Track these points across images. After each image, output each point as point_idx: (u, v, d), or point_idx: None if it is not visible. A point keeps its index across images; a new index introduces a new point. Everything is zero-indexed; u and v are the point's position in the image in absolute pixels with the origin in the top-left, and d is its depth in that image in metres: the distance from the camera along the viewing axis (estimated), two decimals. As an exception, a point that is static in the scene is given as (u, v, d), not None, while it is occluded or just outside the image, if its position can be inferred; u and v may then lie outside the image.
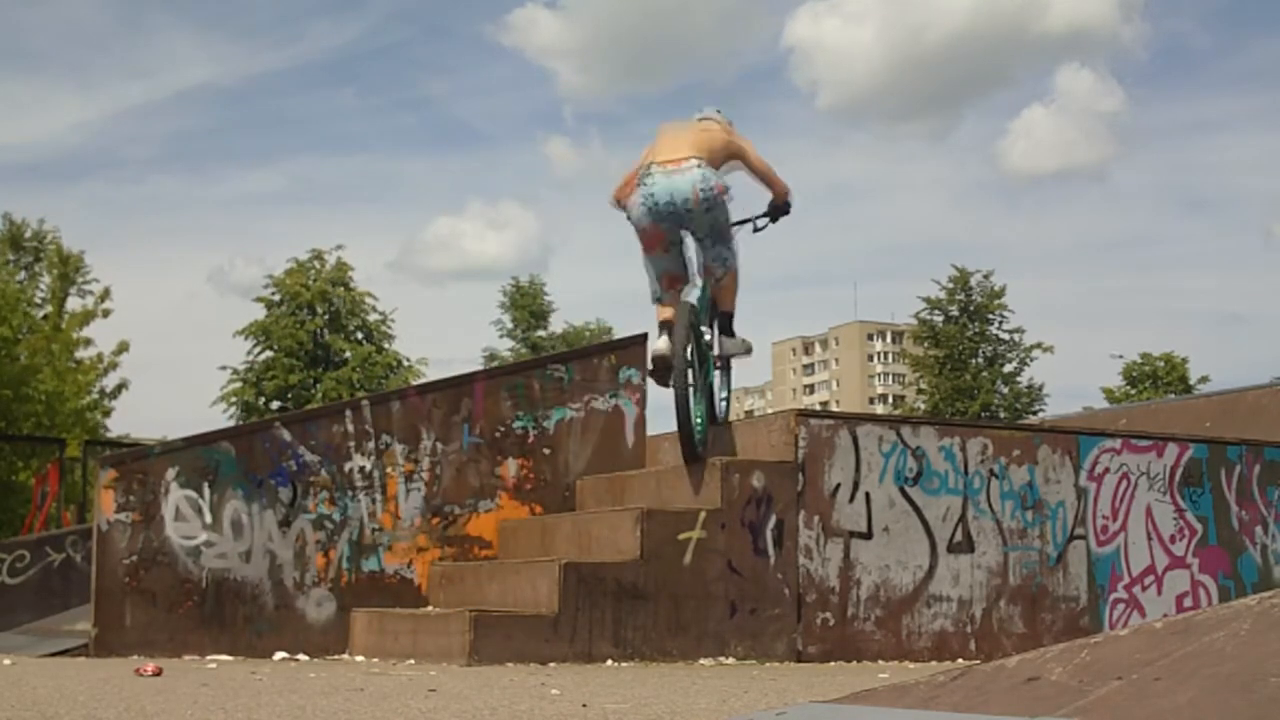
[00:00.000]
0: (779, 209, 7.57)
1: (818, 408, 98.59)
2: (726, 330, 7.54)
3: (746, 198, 7.73)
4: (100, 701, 4.12)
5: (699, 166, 7.00)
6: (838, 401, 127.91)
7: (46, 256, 32.28)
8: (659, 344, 6.99)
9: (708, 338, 7.38)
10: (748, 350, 7.69)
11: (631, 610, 6.60)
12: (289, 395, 35.76)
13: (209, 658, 6.71)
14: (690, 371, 6.91)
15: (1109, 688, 1.87)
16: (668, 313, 7.12)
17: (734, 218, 7.34)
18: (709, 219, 7.09)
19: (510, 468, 7.73)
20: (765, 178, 7.52)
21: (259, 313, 37.12)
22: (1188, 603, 8.00)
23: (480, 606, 6.69)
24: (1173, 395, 37.51)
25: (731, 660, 6.73)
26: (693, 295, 7.12)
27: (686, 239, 7.24)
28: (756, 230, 7.63)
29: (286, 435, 7.28)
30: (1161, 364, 45.90)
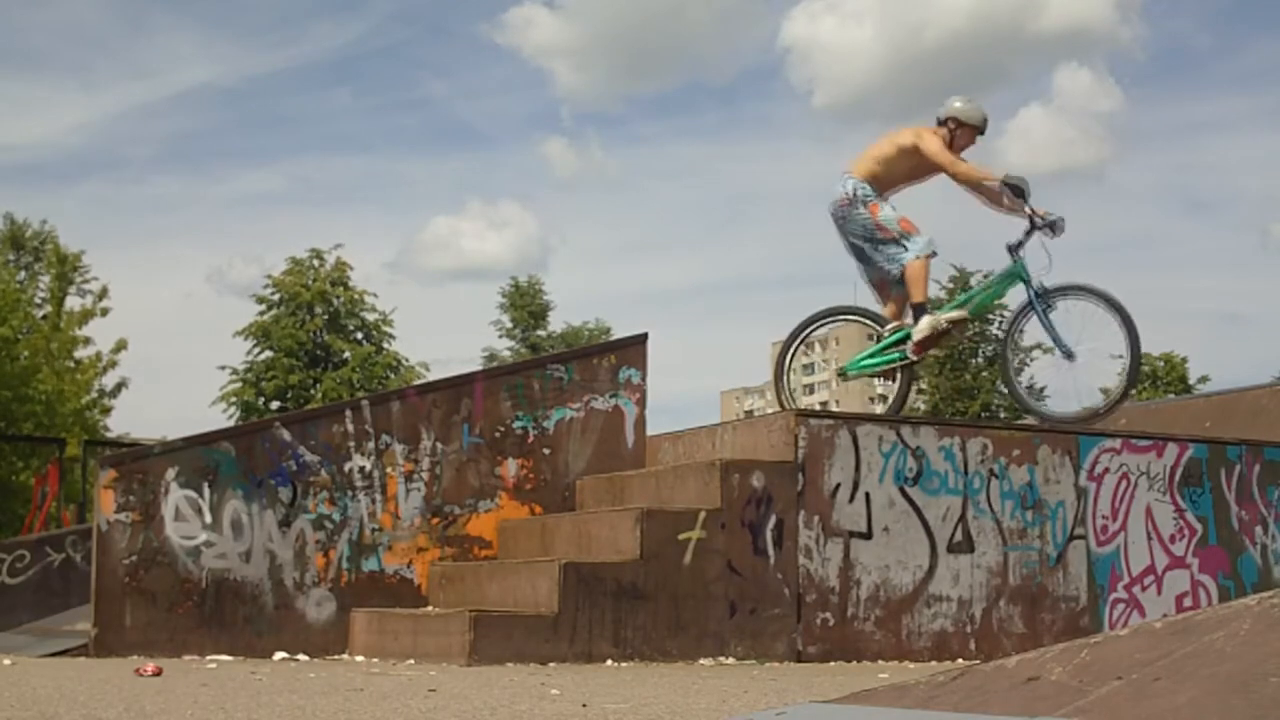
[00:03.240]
0: (1013, 191, 7.60)
1: (818, 408, 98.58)
2: (915, 317, 7.82)
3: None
4: (100, 701, 4.12)
5: (840, 181, 7.75)
6: (838, 401, 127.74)
7: (45, 256, 32.28)
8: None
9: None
10: (943, 326, 7.81)
11: (631, 610, 6.60)
12: (289, 395, 35.72)
13: (209, 658, 6.71)
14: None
15: (1109, 688, 1.87)
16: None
17: (888, 215, 7.67)
18: (851, 226, 7.76)
19: (510, 468, 7.74)
20: (937, 165, 7.72)
21: (259, 313, 37.14)
22: (1188, 603, 8.00)
23: (480, 606, 6.69)
24: (1173, 395, 37.50)
25: (731, 660, 6.73)
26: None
27: (866, 249, 7.79)
28: (1053, 235, 7.63)
29: (286, 435, 7.28)
30: (1161, 364, 45.86)
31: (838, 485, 7.13)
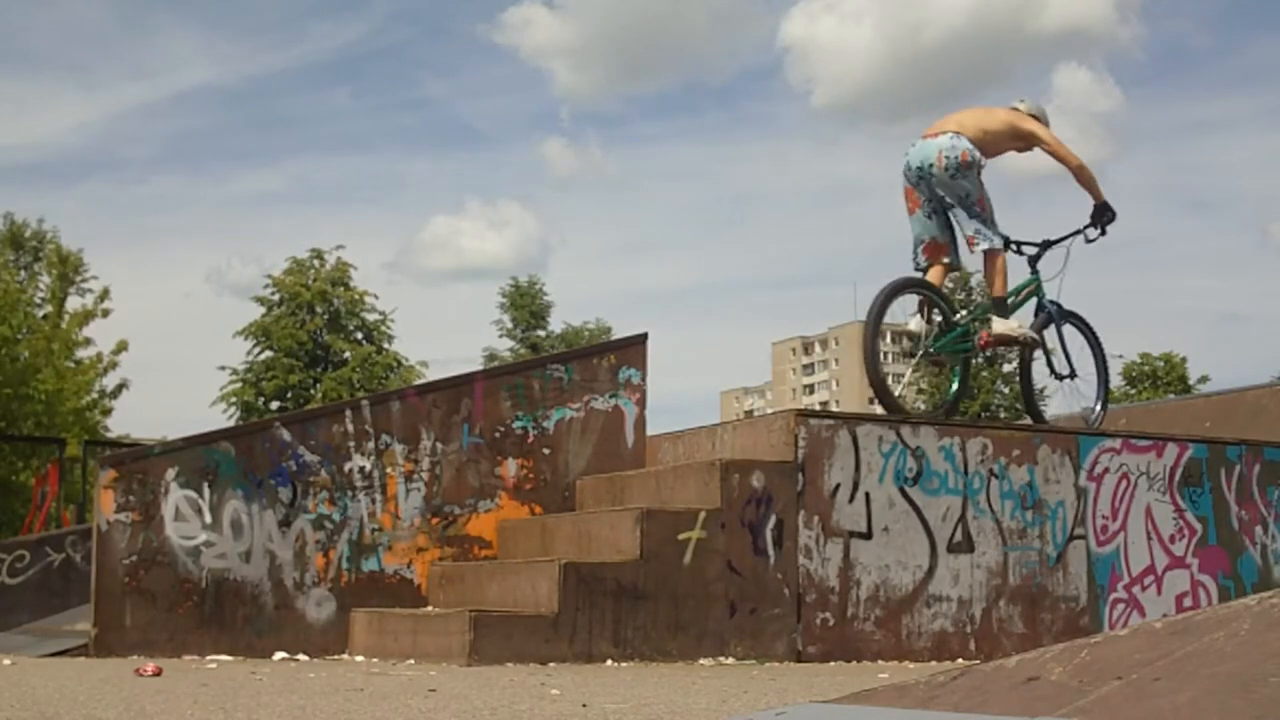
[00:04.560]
0: (1099, 211, 7.91)
1: (818, 408, 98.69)
2: (999, 312, 7.77)
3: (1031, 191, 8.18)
4: (100, 701, 4.12)
5: (950, 136, 7.59)
6: (838, 401, 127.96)
7: (46, 256, 32.27)
8: (910, 323, 7.64)
9: (958, 317, 7.81)
10: (1024, 339, 7.89)
11: (631, 610, 6.60)
12: (289, 395, 35.72)
13: (209, 658, 6.71)
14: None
15: (1109, 688, 1.87)
16: (930, 276, 7.71)
17: (987, 194, 7.68)
18: (955, 186, 7.58)
19: (510, 468, 7.74)
20: (1061, 160, 7.86)
21: (258, 313, 37.13)
22: (1188, 603, 8.00)
23: (480, 606, 6.69)
24: (1172, 395, 37.50)
25: (731, 660, 6.73)
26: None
27: (953, 213, 7.68)
28: (1089, 241, 8.00)
29: (286, 435, 7.28)
30: (1161, 364, 45.88)
31: (838, 485, 7.13)
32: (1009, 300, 7.96)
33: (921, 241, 7.76)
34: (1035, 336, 7.97)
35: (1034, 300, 8.12)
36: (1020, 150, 7.92)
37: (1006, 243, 7.89)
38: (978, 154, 7.58)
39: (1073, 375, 8.26)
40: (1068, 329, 8.25)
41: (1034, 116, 7.93)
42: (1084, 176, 7.89)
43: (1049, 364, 8.28)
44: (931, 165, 7.56)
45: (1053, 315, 8.10)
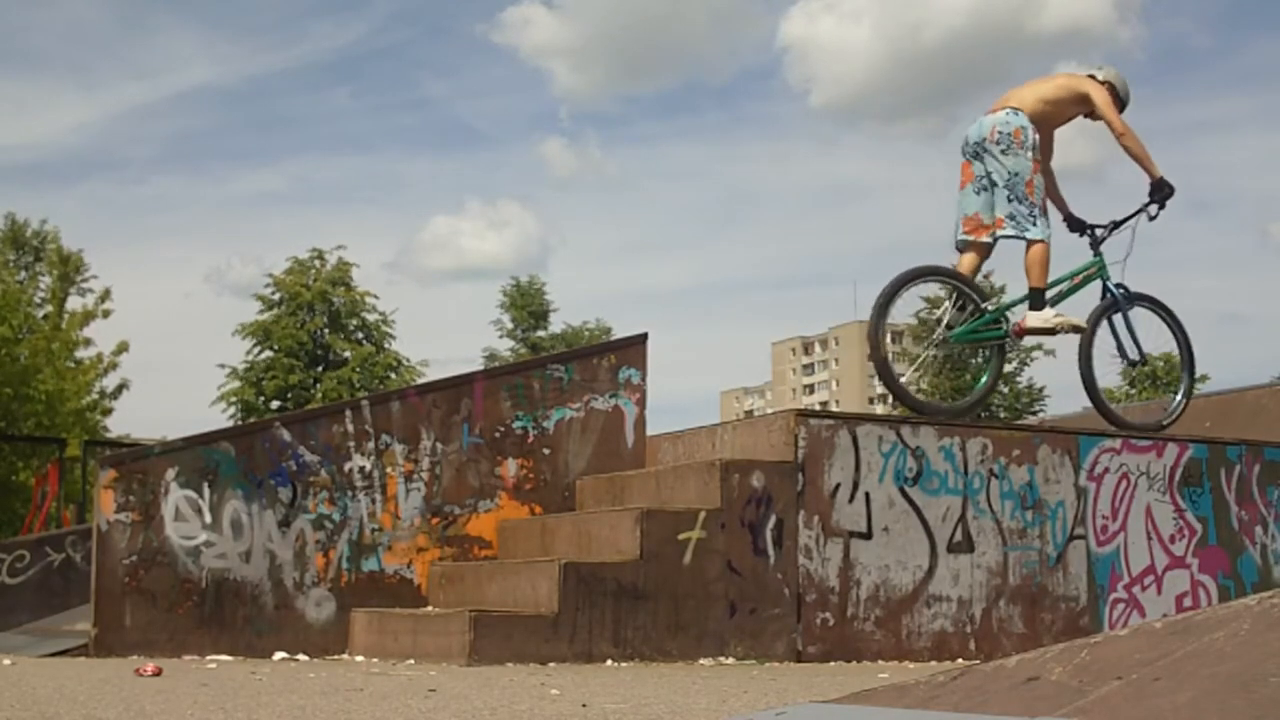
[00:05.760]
0: (1156, 187, 7.74)
1: (818, 408, 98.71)
2: (1034, 305, 7.65)
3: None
4: (100, 701, 4.12)
5: (1007, 112, 7.58)
6: (838, 401, 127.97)
7: (46, 256, 32.28)
8: (937, 311, 7.70)
9: (986, 305, 7.76)
10: (1063, 329, 7.75)
11: (631, 610, 6.60)
12: (289, 395, 35.72)
13: (209, 658, 6.71)
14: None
15: (1109, 688, 1.87)
16: (962, 262, 7.69)
17: (1040, 181, 7.57)
18: (1004, 163, 7.50)
19: (510, 468, 7.74)
20: (1108, 124, 7.66)
21: (258, 311, 37.12)
22: (1188, 603, 7.99)
23: (480, 606, 6.69)
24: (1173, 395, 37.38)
25: (731, 660, 6.73)
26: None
27: (995, 192, 7.56)
28: (1151, 219, 7.84)
29: (286, 435, 7.28)
30: (1161, 364, 45.80)
31: (838, 485, 7.13)
32: (1063, 285, 7.84)
33: (965, 215, 7.66)
34: (1081, 325, 7.78)
35: (1098, 284, 7.94)
36: (1088, 115, 7.75)
37: (1083, 228, 7.84)
38: (1032, 133, 7.50)
39: (1142, 362, 8.10)
40: (1139, 312, 8.07)
41: (1109, 83, 7.76)
42: (1129, 143, 7.65)
43: (1119, 349, 8.03)
44: (984, 138, 7.53)
45: (1117, 299, 7.93)
